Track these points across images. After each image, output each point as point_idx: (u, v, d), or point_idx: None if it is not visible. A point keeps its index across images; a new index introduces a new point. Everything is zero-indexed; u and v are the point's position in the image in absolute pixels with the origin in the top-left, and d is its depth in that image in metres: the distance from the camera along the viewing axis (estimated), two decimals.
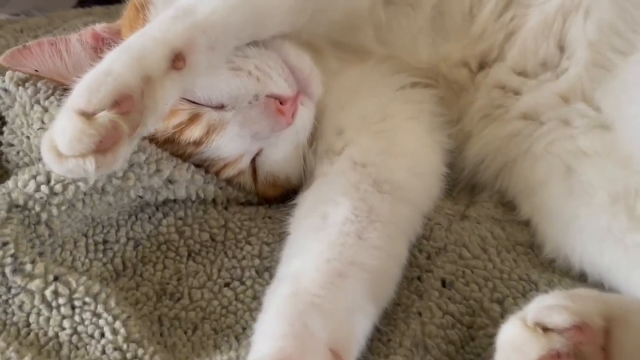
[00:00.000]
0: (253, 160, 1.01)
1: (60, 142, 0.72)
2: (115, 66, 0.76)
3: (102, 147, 0.73)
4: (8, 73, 1.03)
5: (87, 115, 0.73)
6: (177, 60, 0.83)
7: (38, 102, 0.99)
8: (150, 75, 0.78)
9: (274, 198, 1.06)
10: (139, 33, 0.85)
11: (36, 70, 0.99)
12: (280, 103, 0.94)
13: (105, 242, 0.92)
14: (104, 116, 0.72)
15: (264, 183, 1.03)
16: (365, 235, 0.86)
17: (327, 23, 1.05)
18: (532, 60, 1.06)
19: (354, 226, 0.87)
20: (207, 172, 1.00)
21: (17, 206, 0.87)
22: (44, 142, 0.75)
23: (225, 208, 1.01)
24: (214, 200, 1.01)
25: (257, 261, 0.95)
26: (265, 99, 0.94)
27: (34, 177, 0.88)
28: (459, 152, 1.10)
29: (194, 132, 0.95)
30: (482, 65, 1.09)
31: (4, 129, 1.02)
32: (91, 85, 0.75)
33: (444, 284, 0.91)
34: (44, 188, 0.87)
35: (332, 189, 0.94)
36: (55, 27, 1.35)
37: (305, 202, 0.96)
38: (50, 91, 1.00)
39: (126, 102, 0.76)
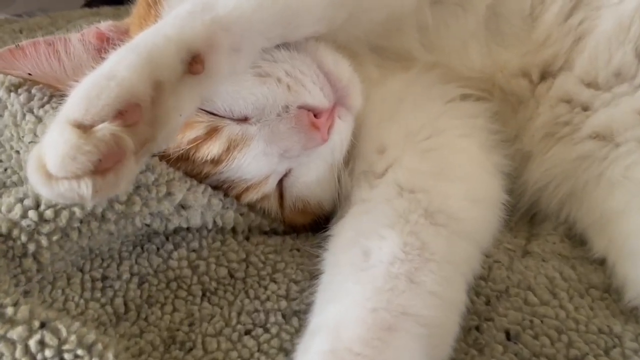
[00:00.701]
0: (280, 183, 0.87)
1: (50, 160, 0.58)
2: (120, 68, 0.63)
3: (102, 167, 0.59)
4: None
5: (84, 128, 0.59)
6: (195, 63, 0.69)
7: (31, 110, 0.85)
8: (161, 81, 0.65)
9: (302, 227, 0.92)
10: (150, 30, 0.71)
11: (30, 74, 0.85)
12: (315, 116, 0.80)
13: (104, 278, 0.78)
14: (105, 129, 0.59)
15: (292, 209, 0.88)
16: (418, 278, 0.70)
17: (368, 23, 0.91)
18: (604, 69, 0.91)
19: (404, 267, 0.71)
20: (225, 195, 0.86)
21: (0, 235, 0.71)
22: (31, 160, 0.61)
23: (247, 238, 0.86)
24: (233, 229, 0.86)
25: (283, 303, 0.80)
26: (297, 111, 0.79)
27: (21, 200, 0.73)
28: (517, 175, 0.95)
29: (212, 149, 0.80)
30: (545, 76, 0.95)
31: None
32: (90, 91, 0.61)
33: (508, 336, 0.77)
34: (32, 214, 0.72)
35: (374, 219, 0.79)
36: (58, 27, 1.21)
37: (342, 234, 0.81)
38: (45, 99, 0.86)
39: (132, 113, 0.62)
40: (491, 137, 0.94)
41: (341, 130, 0.84)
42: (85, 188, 0.58)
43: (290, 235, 0.91)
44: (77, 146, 0.58)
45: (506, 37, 0.96)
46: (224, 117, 0.81)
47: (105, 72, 0.63)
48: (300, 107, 0.80)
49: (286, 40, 0.82)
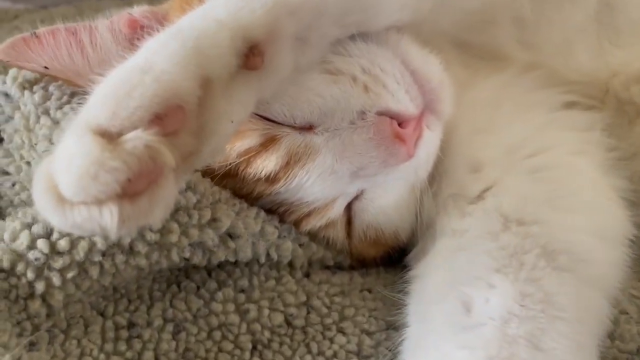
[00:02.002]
0: (348, 207, 0.69)
1: (64, 179, 0.44)
2: (158, 59, 0.48)
3: (132, 190, 0.44)
4: (11, 71, 0.73)
5: (110, 137, 0.45)
6: (253, 56, 0.55)
7: (47, 112, 0.69)
8: (211, 77, 0.50)
9: (373, 260, 0.74)
10: (197, 12, 0.55)
11: (46, 67, 0.69)
12: (399, 124, 0.62)
13: (131, 325, 0.62)
14: (137, 139, 0.44)
15: (362, 239, 0.71)
16: (545, 343, 0.53)
17: (459, 13, 0.74)
18: None
19: (524, 327, 0.54)
20: (281, 221, 0.69)
21: (1, 270, 0.55)
22: (39, 178, 0.46)
23: (307, 275, 0.70)
24: (290, 264, 0.70)
25: None
26: (377, 119, 0.62)
27: (28, 226, 0.57)
28: (638, 202, 0.75)
29: (267, 164, 0.64)
30: None
31: None
32: (119, 87, 0.46)
33: None
34: (41, 244, 0.56)
35: (475, 258, 0.61)
36: (85, 18, 1.05)
37: (432, 277, 0.64)
38: (65, 98, 0.71)
39: (173, 118, 0.47)
40: (607, 155, 0.75)
41: (429, 144, 0.67)
42: (109, 217, 0.44)
43: (358, 272, 0.73)
44: (100, 161, 0.43)
45: (622, 33, 0.80)
46: (282, 124, 0.65)
47: (139, 64, 0.48)
48: (380, 114, 0.63)
49: (363, 29, 0.66)
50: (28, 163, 0.68)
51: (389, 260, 0.75)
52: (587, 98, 0.80)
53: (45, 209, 0.45)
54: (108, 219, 0.44)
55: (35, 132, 0.69)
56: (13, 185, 0.68)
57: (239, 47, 0.53)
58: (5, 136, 0.72)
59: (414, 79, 0.66)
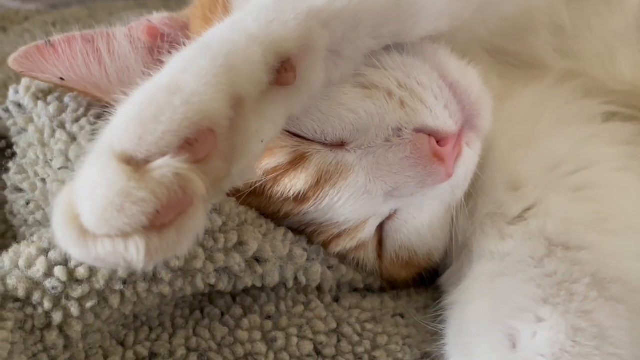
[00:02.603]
0: (380, 227, 0.65)
1: (87, 210, 0.40)
2: (187, 78, 0.44)
3: (160, 222, 0.40)
4: (24, 81, 0.69)
5: (136, 164, 0.41)
6: (285, 71, 0.51)
7: (62, 126, 0.66)
8: (242, 96, 0.46)
9: (404, 282, 0.70)
10: (225, 25, 0.51)
11: (62, 79, 0.65)
12: (437, 142, 0.58)
13: (153, 355, 0.58)
14: (166, 167, 0.41)
15: (394, 261, 0.67)
16: None
17: (496, 19, 0.70)
18: None
19: None
20: (309, 242, 0.64)
21: (15, 299, 0.52)
22: (59, 208, 0.42)
23: (336, 300, 0.65)
24: (318, 288, 0.65)
25: None
26: (414, 136, 0.58)
27: (45, 252, 0.54)
28: None
29: (296, 182, 0.60)
30: None
31: (11, 163, 0.68)
32: (145, 109, 0.43)
33: None
34: (59, 272, 0.53)
35: (519, 286, 0.57)
36: (97, 20, 1.02)
37: (472, 305, 0.60)
38: (81, 110, 0.67)
39: (204, 143, 0.44)
40: None
41: (468, 162, 0.62)
42: (135, 250, 0.40)
43: (388, 294, 0.69)
44: (127, 192, 0.39)
45: None
46: (313, 141, 0.61)
47: (165, 83, 0.44)
48: (417, 131, 0.59)
49: (399, 40, 0.62)
50: (43, 180, 0.64)
51: (420, 281, 0.71)
52: (628, 108, 0.75)
53: (66, 241, 0.42)
54: (134, 253, 0.41)
55: (51, 147, 0.65)
56: (27, 203, 0.65)
57: (271, 62, 0.49)
58: (18, 150, 0.68)
59: (453, 93, 0.61)
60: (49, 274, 0.53)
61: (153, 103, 0.43)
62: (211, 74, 0.45)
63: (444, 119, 0.60)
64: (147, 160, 0.42)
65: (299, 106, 0.56)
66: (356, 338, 0.63)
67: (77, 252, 0.42)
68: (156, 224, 0.41)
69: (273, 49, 0.49)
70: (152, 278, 0.55)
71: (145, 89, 0.46)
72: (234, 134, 0.47)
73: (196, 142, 0.44)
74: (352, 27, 0.57)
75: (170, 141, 0.42)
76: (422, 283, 0.72)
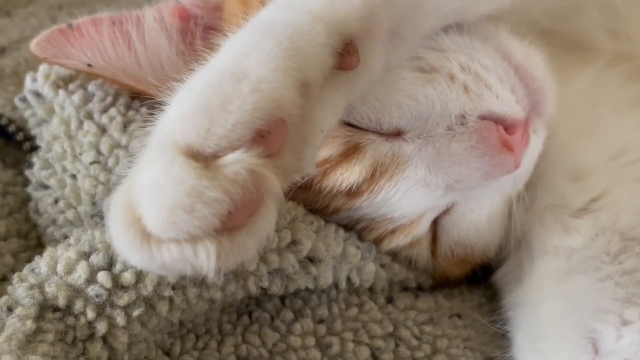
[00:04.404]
0: (434, 222, 0.60)
1: (152, 212, 0.36)
2: (252, 64, 0.40)
3: (232, 223, 0.37)
4: (42, 68, 0.64)
5: (205, 160, 0.37)
6: (348, 54, 0.47)
7: (90, 116, 0.60)
8: (309, 82, 0.42)
9: (457, 279, 0.66)
10: (281, 3, 0.46)
11: (90, 65, 0.60)
12: (505, 129, 0.53)
13: None
14: (238, 162, 0.37)
15: (449, 257, 0.63)
16: None
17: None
18: None
19: None
20: (359, 238, 0.60)
21: (55, 309, 0.47)
22: (116, 210, 0.38)
23: (390, 300, 0.61)
24: (370, 288, 0.60)
25: None
26: (479, 124, 0.53)
27: (86, 255, 0.48)
28: None
29: (349, 175, 0.55)
30: None
31: (34, 158, 0.63)
32: (209, 99, 0.38)
33: None
34: (102, 277, 0.47)
35: (595, 285, 0.54)
36: (107, 2, 0.96)
37: (542, 304, 0.56)
38: (109, 99, 0.62)
39: (277, 134, 0.40)
40: None
41: (534, 150, 0.58)
42: (205, 256, 0.36)
43: (441, 293, 0.65)
44: (198, 191, 0.35)
45: None
46: (367, 130, 0.56)
47: (228, 69, 0.40)
48: (482, 118, 0.54)
49: (461, 18, 0.58)
50: (73, 176, 0.59)
51: (473, 278, 0.67)
52: None
53: (126, 247, 0.38)
54: (204, 259, 0.36)
55: (79, 139, 0.60)
56: (56, 201, 0.59)
57: (335, 44, 0.45)
58: (42, 144, 0.63)
59: (519, 77, 0.57)
60: (91, 280, 0.48)
61: (218, 91, 0.39)
62: (279, 58, 0.41)
63: (511, 105, 0.56)
64: (215, 155, 0.37)
65: (358, 93, 0.52)
66: (415, 342, 0.58)
67: (139, 259, 0.37)
68: (228, 226, 0.37)
69: (337, 30, 0.45)
70: (203, 283, 0.50)
71: (204, 76, 0.41)
72: (302, 124, 0.42)
73: (268, 135, 0.39)
74: (415, 6, 0.53)
75: (242, 134, 0.38)
76: (474, 280, 0.68)
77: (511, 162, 0.54)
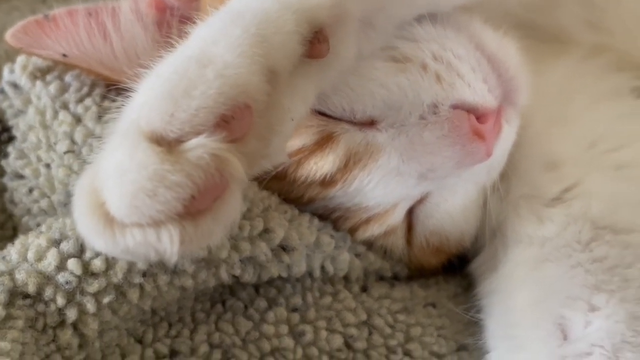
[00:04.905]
0: (409, 212, 0.61)
1: (115, 197, 0.36)
2: (218, 50, 0.40)
3: (196, 207, 0.37)
4: (20, 59, 0.64)
5: (168, 145, 0.37)
6: (318, 43, 0.47)
7: (66, 106, 0.60)
8: (277, 69, 0.42)
9: (432, 269, 0.66)
10: None
11: (65, 55, 0.60)
12: (477, 118, 0.54)
13: (174, 353, 0.54)
14: (201, 147, 0.37)
15: (424, 247, 0.63)
16: None
17: None
18: None
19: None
20: (334, 228, 0.60)
21: (25, 296, 0.47)
22: (81, 195, 0.39)
23: (364, 289, 0.61)
24: (345, 277, 0.61)
25: None
26: (451, 113, 0.54)
27: (56, 243, 0.49)
28: None
29: (323, 165, 0.56)
30: None
31: (10, 148, 0.63)
32: (174, 85, 0.38)
33: None
34: (73, 265, 0.48)
35: (566, 273, 0.54)
36: None
37: (514, 292, 0.57)
38: (85, 89, 0.62)
39: (241, 119, 0.40)
40: None
41: (506, 140, 0.58)
42: (168, 240, 0.36)
43: (417, 283, 0.65)
44: (160, 175, 0.36)
45: None
46: (340, 119, 0.56)
47: (195, 55, 0.40)
48: (454, 107, 0.55)
49: (434, 8, 0.58)
50: (47, 165, 0.59)
51: (449, 268, 0.67)
52: None
53: (90, 232, 0.38)
54: (167, 243, 0.36)
55: (54, 129, 0.60)
56: (30, 191, 0.60)
57: (304, 32, 0.45)
58: (18, 134, 0.63)
59: (492, 66, 0.57)
60: (61, 267, 0.48)
61: (184, 77, 0.39)
62: (245, 44, 0.41)
63: (483, 94, 0.56)
64: (179, 140, 0.37)
65: (329, 82, 0.52)
66: (388, 330, 0.59)
67: (102, 244, 0.37)
68: (191, 210, 0.37)
69: (307, 18, 0.45)
70: (174, 270, 0.51)
71: (171, 62, 0.41)
72: (269, 111, 0.43)
73: (232, 120, 0.39)
74: None
75: (205, 118, 0.38)
76: (450, 270, 0.68)
77: (483, 150, 0.55)
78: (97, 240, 0.37)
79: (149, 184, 0.35)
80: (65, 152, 0.58)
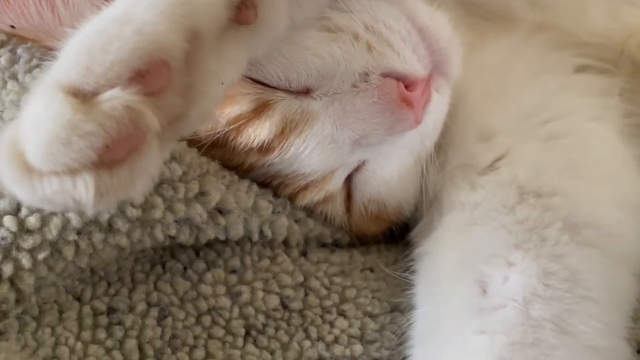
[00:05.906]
0: (348, 179, 0.63)
1: (32, 145, 0.38)
2: (139, 10, 0.42)
3: (111, 158, 0.39)
4: None
5: (84, 97, 0.39)
6: (245, 8, 0.49)
7: (14, 77, 0.62)
8: (200, 31, 0.44)
9: (373, 237, 0.68)
10: None
11: (12, 27, 0.62)
12: (406, 87, 0.56)
13: (111, 310, 0.56)
14: (115, 99, 0.39)
15: (363, 214, 0.65)
16: (574, 326, 0.48)
17: None
18: None
19: (549, 308, 0.49)
20: (275, 195, 0.62)
21: None
22: (2, 146, 0.40)
23: (303, 254, 0.63)
24: (285, 242, 0.63)
25: (358, 348, 0.59)
26: (382, 81, 0.56)
27: None
28: None
29: (260, 132, 0.58)
30: None
31: None
32: (93, 41, 0.41)
33: None
34: (8, 222, 0.50)
35: (490, 234, 0.56)
36: None
37: (442, 254, 0.59)
38: (34, 61, 0.63)
39: (157, 75, 0.42)
40: (624, 121, 0.70)
41: (437, 109, 0.61)
42: (84, 188, 0.38)
43: (358, 250, 0.67)
44: (73, 124, 0.37)
45: None
46: (277, 88, 0.59)
47: (116, 16, 0.42)
48: (385, 75, 0.57)
49: None
50: None
51: (391, 236, 0.70)
52: (601, 61, 0.74)
53: (11, 180, 0.40)
54: (83, 191, 0.38)
55: (2, 98, 0.62)
56: None
57: None
58: None
59: (422, 37, 0.60)
60: None
61: (103, 35, 0.41)
62: (166, 4, 0.43)
63: (412, 63, 0.58)
64: (95, 93, 0.39)
65: (261, 49, 0.54)
66: (324, 292, 0.61)
67: (22, 192, 0.39)
68: (106, 160, 0.39)
69: None
70: (108, 228, 0.53)
71: (94, 23, 0.43)
72: (191, 71, 0.45)
73: (149, 75, 0.41)
74: None
75: (119, 72, 0.40)
76: (392, 239, 0.70)
77: (411, 117, 0.57)
78: (17, 189, 0.39)
79: (63, 133, 0.37)
80: (11, 119, 0.59)
